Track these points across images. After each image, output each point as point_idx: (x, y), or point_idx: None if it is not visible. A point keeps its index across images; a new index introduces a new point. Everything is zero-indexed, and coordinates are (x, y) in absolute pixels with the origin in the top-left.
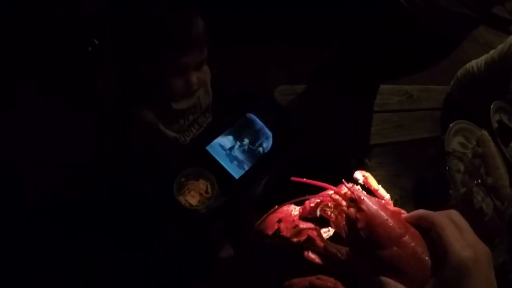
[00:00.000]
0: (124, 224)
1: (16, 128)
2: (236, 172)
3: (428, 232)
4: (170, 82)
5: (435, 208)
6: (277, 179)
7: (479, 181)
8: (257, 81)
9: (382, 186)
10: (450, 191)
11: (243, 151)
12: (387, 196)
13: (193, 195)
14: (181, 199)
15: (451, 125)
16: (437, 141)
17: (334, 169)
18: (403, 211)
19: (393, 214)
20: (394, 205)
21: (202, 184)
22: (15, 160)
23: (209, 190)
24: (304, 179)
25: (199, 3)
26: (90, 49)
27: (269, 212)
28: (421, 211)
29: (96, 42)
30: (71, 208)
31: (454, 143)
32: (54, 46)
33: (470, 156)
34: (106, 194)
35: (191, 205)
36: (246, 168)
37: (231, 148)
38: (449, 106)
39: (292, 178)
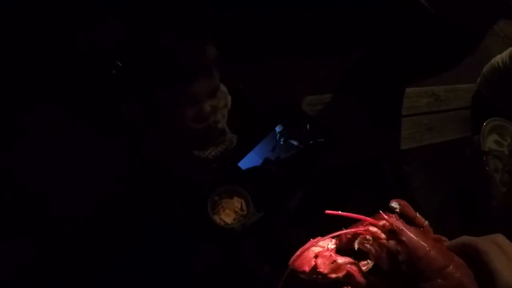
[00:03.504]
0: (160, 247)
1: (40, 157)
2: (269, 186)
3: (474, 260)
4: (183, 110)
5: (478, 211)
6: (312, 192)
7: None
8: (282, 93)
9: (421, 192)
10: (492, 192)
11: (276, 166)
12: (426, 223)
13: (228, 214)
14: (216, 218)
15: (484, 123)
16: (470, 141)
17: (367, 178)
18: (444, 238)
19: (435, 244)
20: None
21: (236, 202)
22: (38, 186)
23: (244, 207)
24: (339, 212)
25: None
26: (114, 72)
27: (303, 247)
28: (464, 238)
29: (120, 64)
30: (101, 233)
31: (490, 142)
32: (77, 70)
33: (507, 153)
34: (139, 219)
35: (226, 223)
36: (280, 182)
37: (263, 163)
38: (478, 104)
39: (326, 212)
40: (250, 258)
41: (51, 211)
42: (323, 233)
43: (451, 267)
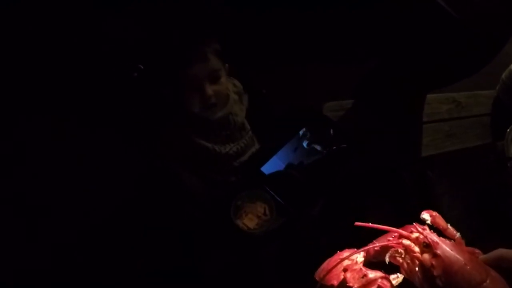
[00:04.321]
0: (175, 244)
1: (65, 159)
2: (292, 191)
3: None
4: (187, 96)
5: (501, 218)
6: (334, 198)
7: None
8: (303, 99)
9: (446, 199)
10: None
11: (299, 171)
12: (457, 234)
13: (251, 218)
14: (239, 222)
15: (508, 130)
16: (492, 147)
17: (386, 184)
18: (477, 250)
19: (470, 257)
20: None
21: (259, 207)
22: (63, 187)
23: (267, 212)
24: (369, 224)
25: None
26: (136, 74)
27: (330, 259)
28: (500, 251)
29: (142, 67)
30: (122, 232)
31: None
32: (99, 74)
33: None
34: (157, 216)
35: (249, 228)
36: (303, 187)
37: (286, 168)
38: (498, 111)
39: (356, 224)
40: (267, 266)
41: (60, 211)
42: (347, 242)
43: (487, 281)
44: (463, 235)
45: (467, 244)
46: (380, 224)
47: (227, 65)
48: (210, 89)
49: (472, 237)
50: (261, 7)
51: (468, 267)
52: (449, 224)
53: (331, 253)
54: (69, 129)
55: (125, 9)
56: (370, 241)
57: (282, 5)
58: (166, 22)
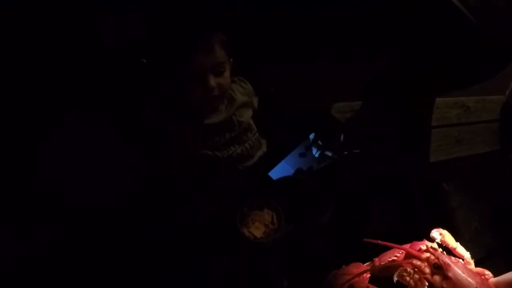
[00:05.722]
0: (175, 246)
1: (64, 154)
2: (301, 198)
3: None
4: (191, 88)
5: None
6: (343, 204)
7: None
8: (311, 98)
9: (461, 212)
10: None
11: (308, 176)
12: (466, 254)
13: (258, 226)
14: (245, 231)
15: None
16: (506, 160)
17: (395, 188)
18: (487, 272)
19: (482, 281)
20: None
21: (267, 215)
22: (60, 184)
23: (275, 221)
24: (379, 241)
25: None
26: (139, 69)
27: (335, 274)
28: None
29: (144, 61)
30: (123, 231)
31: None
32: (101, 69)
33: None
34: (157, 217)
35: (255, 237)
36: (312, 194)
37: (295, 173)
38: (507, 117)
39: (365, 239)
40: (271, 274)
41: (59, 211)
42: (354, 250)
43: None
44: (476, 252)
45: (480, 261)
46: (389, 227)
47: (231, 60)
48: (213, 81)
49: (485, 254)
50: (263, 7)
51: None
52: (458, 243)
53: (338, 263)
54: (69, 128)
55: (125, 9)
56: (377, 251)
57: (284, 5)
58: (168, 21)
